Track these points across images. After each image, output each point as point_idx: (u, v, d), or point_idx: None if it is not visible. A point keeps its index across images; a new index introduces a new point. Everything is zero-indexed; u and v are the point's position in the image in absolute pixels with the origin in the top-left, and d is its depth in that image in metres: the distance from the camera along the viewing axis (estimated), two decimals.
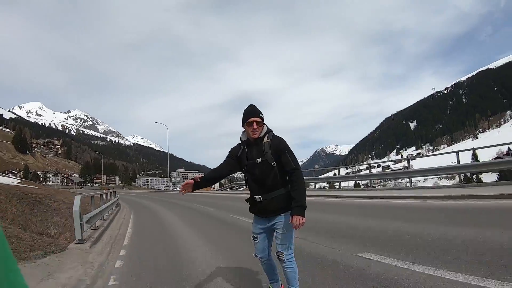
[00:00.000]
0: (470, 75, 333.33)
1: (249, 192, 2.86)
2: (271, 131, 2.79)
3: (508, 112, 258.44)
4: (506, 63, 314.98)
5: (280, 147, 2.67)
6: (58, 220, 14.92)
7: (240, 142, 2.86)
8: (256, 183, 2.71)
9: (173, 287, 3.74)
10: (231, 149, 2.90)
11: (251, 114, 2.71)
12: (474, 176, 31.51)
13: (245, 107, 2.80)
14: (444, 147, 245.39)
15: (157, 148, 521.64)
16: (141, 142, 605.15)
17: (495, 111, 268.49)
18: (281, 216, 2.67)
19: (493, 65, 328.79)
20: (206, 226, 8.79)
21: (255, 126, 2.68)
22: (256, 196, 2.72)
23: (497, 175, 23.60)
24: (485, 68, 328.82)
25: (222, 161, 2.90)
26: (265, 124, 2.77)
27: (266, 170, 2.65)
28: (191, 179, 2.74)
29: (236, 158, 2.80)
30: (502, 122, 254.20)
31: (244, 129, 2.80)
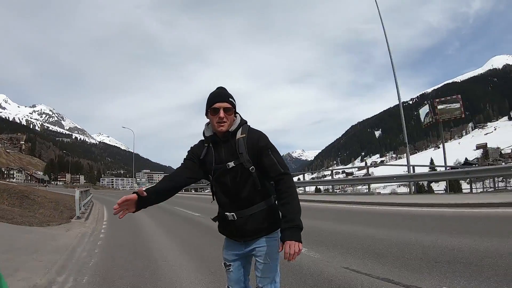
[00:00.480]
0: (435, 87, 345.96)
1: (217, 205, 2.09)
2: (246, 122, 2.02)
3: (470, 124, 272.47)
4: (471, 77, 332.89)
5: (260, 145, 1.91)
6: (44, 211, 18.50)
7: (203, 138, 2.06)
8: (228, 196, 1.96)
9: (131, 233, 8.12)
10: (192, 147, 2.10)
11: (218, 97, 1.94)
12: (426, 184, 35.02)
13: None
14: (420, 152, 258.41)
15: (123, 148, 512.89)
16: (107, 140, 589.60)
17: (457, 123, 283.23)
18: (262, 240, 1.95)
19: (458, 78, 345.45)
20: (158, 211, 13.18)
21: (222, 114, 1.90)
22: (227, 213, 1.96)
23: (445, 184, 26.62)
24: (450, 81, 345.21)
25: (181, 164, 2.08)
26: (238, 113, 2.02)
27: (241, 177, 1.90)
28: (134, 192, 1.81)
29: (199, 161, 2.01)
30: (464, 134, 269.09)
31: (208, 120, 2.02)
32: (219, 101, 1.92)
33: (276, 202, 1.95)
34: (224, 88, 2.01)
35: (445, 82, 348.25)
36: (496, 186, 21.41)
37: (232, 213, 1.95)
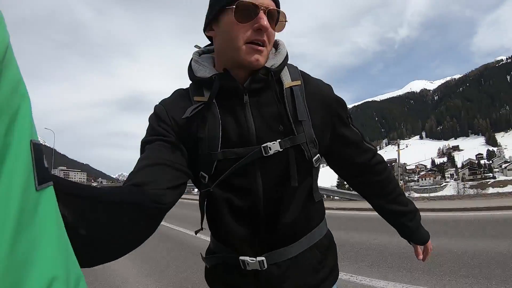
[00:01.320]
0: (356, 104, 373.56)
1: (212, 241, 0.91)
2: (287, 59, 0.85)
3: (384, 140, 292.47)
4: (389, 97, 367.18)
5: (336, 105, 0.89)
6: None
7: (190, 84, 0.83)
8: (250, 220, 0.79)
9: None
10: (159, 107, 0.78)
11: None
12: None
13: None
14: (323, 166, 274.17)
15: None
16: None
17: (373, 138, 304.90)
18: None
19: (378, 98, 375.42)
20: None
21: (264, 21, 0.70)
22: (246, 259, 0.79)
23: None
24: (370, 99, 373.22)
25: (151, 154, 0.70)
26: (279, 41, 0.87)
27: (297, 178, 0.77)
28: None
29: (185, 139, 0.75)
30: (378, 149, 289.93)
31: (198, 49, 0.92)
32: None
33: (373, 202, 0.99)
34: None
35: (366, 100, 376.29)
36: None
37: (259, 258, 0.80)
